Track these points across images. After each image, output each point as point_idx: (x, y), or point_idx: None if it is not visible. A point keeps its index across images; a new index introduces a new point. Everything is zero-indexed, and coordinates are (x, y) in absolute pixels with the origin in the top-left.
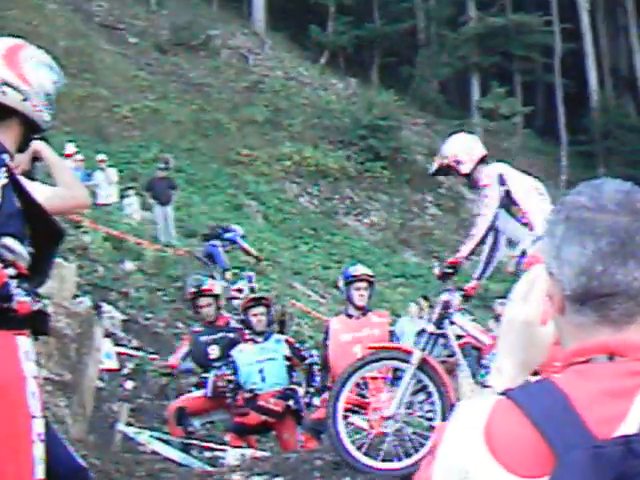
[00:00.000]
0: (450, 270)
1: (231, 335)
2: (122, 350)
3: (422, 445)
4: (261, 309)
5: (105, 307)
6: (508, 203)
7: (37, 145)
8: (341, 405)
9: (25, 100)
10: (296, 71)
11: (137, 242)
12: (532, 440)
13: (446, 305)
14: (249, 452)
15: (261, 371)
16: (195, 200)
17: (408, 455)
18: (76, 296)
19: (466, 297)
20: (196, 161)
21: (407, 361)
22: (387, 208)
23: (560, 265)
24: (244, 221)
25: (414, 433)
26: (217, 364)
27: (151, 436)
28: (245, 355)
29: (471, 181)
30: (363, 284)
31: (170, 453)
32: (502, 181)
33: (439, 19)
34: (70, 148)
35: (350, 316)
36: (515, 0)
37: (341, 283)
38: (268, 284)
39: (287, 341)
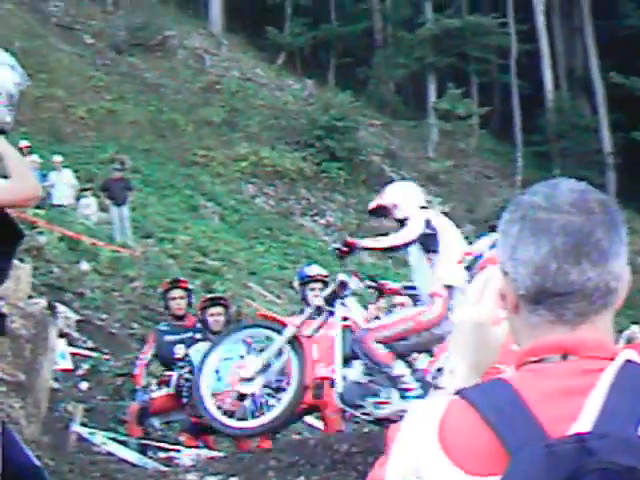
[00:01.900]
0: (345, 248)
1: (198, 335)
2: (77, 350)
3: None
4: (218, 309)
5: (60, 308)
6: (427, 244)
7: None
8: (208, 367)
9: None
10: (253, 72)
11: (92, 243)
12: (485, 438)
13: (342, 285)
14: (204, 452)
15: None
16: (151, 201)
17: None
18: (31, 297)
19: (380, 293)
20: (152, 162)
21: (280, 332)
22: (343, 209)
23: (515, 264)
24: (200, 222)
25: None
26: (182, 363)
27: (106, 437)
28: (201, 355)
29: (402, 225)
30: (318, 284)
31: (125, 454)
32: (429, 225)
33: (395, 20)
34: (23, 143)
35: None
36: (470, 2)
37: (296, 283)
38: (224, 284)
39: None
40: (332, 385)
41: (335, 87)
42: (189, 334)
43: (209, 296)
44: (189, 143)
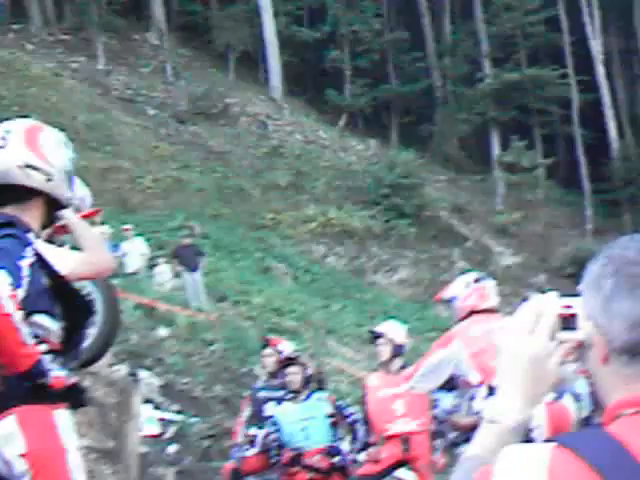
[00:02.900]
0: None
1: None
2: (162, 415)
3: None
4: (295, 368)
5: (142, 373)
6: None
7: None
8: None
9: (49, 180)
10: (315, 135)
11: (168, 309)
12: None
13: None
14: None
15: (304, 429)
16: (223, 265)
17: None
18: (112, 364)
19: None
20: (222, 227)
21: None
22: (415, 264)
23: (609, 318)
24: (273, 283)
25: None
26: (268, 422)
27: None
28: (287, 414)
29: None
30: (388, 341)
31: None
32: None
33: (455, 77)
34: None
35: (388, 372)
36: (530, 54)
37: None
38: (302, 343)
39: (329, 399)
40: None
41: (398, 145)
42: (281, 393)
43: (287, 355)
44: (257, 207)
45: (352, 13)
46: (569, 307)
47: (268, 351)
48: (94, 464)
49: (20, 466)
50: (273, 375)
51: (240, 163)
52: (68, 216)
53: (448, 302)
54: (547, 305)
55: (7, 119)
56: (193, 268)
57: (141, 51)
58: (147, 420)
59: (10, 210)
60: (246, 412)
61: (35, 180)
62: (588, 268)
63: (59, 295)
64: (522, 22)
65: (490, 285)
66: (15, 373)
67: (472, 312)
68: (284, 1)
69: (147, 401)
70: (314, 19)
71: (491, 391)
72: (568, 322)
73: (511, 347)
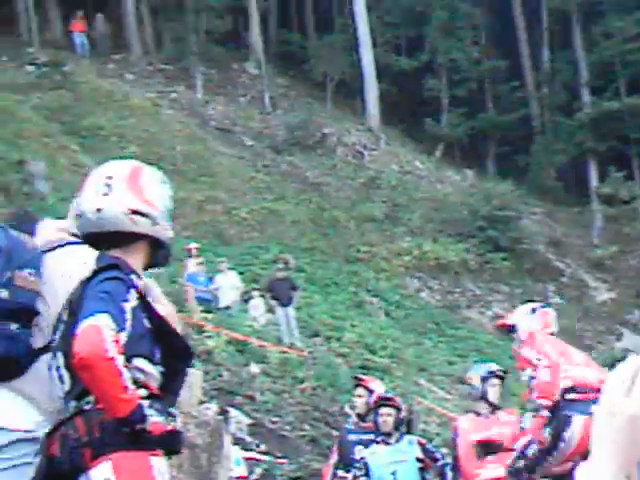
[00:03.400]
0: None
1: (379, 438)
2: (250, 455)
3: None
4: (389, 410)
5: (232, 412)
6: None
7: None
8: None
9: (154, 224)
10: (412, 165)
11: (260, 344)
12: None
13: None
14: None
15: (394, 473)
16: (316, 299)
17: None
18: (202, 402)
19: None
20: (316, 260)
21: None
22: (509, 299)
23: None
24: (366, 318)
25: None
26: (358, 464)
27: None
28: (377, 457)
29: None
30: (498, 381)
31: None
32: None
33: (553, 106)
34: (192, 245)
35: (479, 414)
36: (629, 83)
37: (476, 379)
38: (393, 381)
39: (419, 442)
40: None
41: (495, 176)
42: (370, 436)
43: (381, 395)
44: (352, 239)
45: (450, 41)
46: None
47: (360, 391)
48: None
49: None
50: (362, 417)
51: (336, 194)
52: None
53: (510, 328)
54: None
55: (107, 149)
56: (286, 302)
57: (239, 81)
58: (235, 462)
59: (114, 253)
60: (335, 454)
61: (142, 226)
62: None
63: (159, 339)
64: (621, 50)
65: (552, 313)
66: (114, 418)
67: None
68: (382, 30)
69: (236, 441)
70: (412, 48)
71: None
72: None
73: (607, 407)
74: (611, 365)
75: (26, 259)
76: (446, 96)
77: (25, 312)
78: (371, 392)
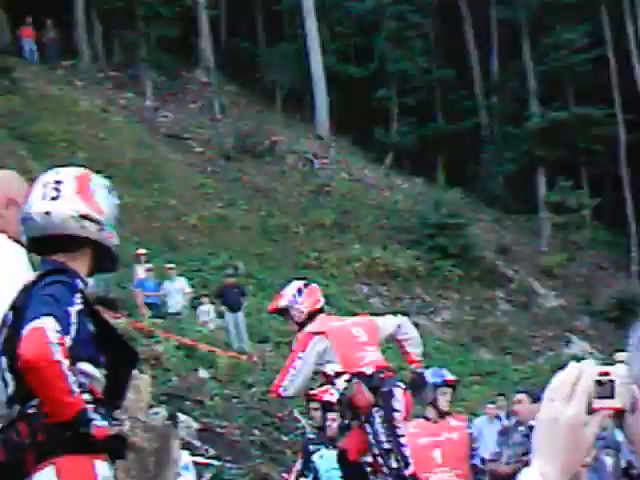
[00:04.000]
0: None
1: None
2: (199, 460)
3: None
4: (333, 415)
5: (181, 417)
6: None
7: None
8: None
9: (101, 230)
10: (361, 173)
11: (209, 350)
12: None
13: None
14: None
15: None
16: (266, 305)
17: None
18: (151, 406)
19: None
20: (266, 266)
21: None
22: (458, 306)
23: None
24: None
25: None
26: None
27: None
28: (326, 461)
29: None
30: (450, 389)
31: None
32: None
33: (502, 115)
34: (140, 251)
35: (428, 419)
36: (577, 94)
37: (429, 389)
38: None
39: None
40: None
41: (444, 184)
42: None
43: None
44: (301, 246)
45: (399, 51)
46: (606, 374)
47: (315, 405)
48: None
49: None
50: (321, 428)
51: (286, 201)
52: None
53: (283, 311)
54: (584, 372)
55: (56, 155)
56: (236, 308)
57: (189, 88)
58: (184, 467)
59: (59, 257)
60: (298, 463)
61: (89, 231)
62: (635, 330)
63: (104, 342)
64: (570, 61)
65: (318, 288)
66: (58, 421)
67: (311, 313)
68: (332, 39)
69: (184, 446)
70: (362, 57)
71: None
72: (606, 389)
73: (548, 413)
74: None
75: None
76: (396, 105)
77: None
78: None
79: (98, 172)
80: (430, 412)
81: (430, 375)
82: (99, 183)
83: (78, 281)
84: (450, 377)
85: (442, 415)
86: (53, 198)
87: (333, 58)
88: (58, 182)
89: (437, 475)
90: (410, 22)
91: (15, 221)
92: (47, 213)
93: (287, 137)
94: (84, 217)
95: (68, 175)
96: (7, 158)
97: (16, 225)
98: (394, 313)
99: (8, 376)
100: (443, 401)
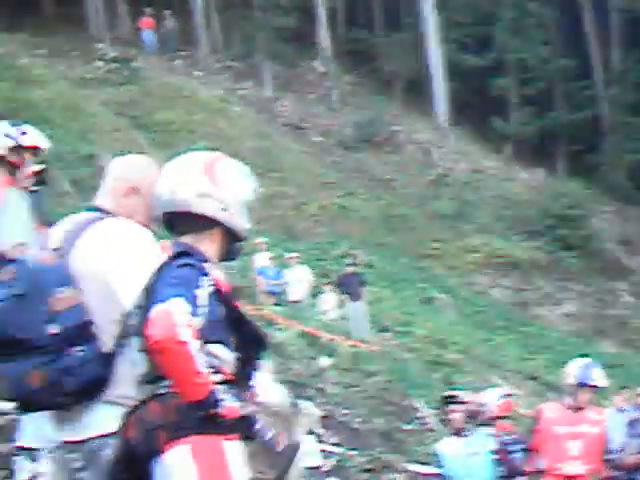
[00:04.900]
0: None
1: None
2: (322, 447)
3: None
4: (458, 406)
5: (303, 404)
6: None
7: None
8: None
9: (224, 210)
10: (481, 163)
11: (330, 338)
12: None
13: None
14: None
15: (468, 465)
16: (386, 295)
17: None
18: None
19: None
20: (385, 256)
21: None
22: (580, 298)
23: None
24: (436, 314)
25: None
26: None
27: None
28: (451, 449)
29: None
30: (591, 391)
31: None
32: None
33: (623, 105)
34: (260, 240)
35: (566, 406)
36: None
37: (571, 380)
38: (464, 377)
39: (494, 435)
40: None
41: (565, 175)
42: None
43: (449, 393)
44: (421, 236)
45: (519, 40)
46: None
47: (454, 407)
48: None
49: None
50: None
51: (405, 191)
52: None
53: None
54: None
55: (176, 144)
56: (356, 297)
57: (307, 78)
58: (308, 452)
59: (188, 239)
60: None
61: (208, 208)
62: None
63: (233, 326)
64: None
65: None
66: (189, 402)
67: None
68: (450, 28)
69: (309, 432)
70: (480, 46)
71: None
72: None
73: None
74: None
75: (51, 279)
76: (515, 95)
77: (81, 330)
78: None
79: None
80: (568, 401)
81: (578, 370)
82: (230, 165)
83: (206, 264)
84: (596, 382)
85: (579, 408)
86: (180, 178)
87: (451, 47)
88: (187, 163)
89: (570, 466)
90: (529, 11)
91: (140, 208)
92: (172, 192)
93: (406, 127)
94: (206, 195)
95: (198, 157)
96: (128, 147)
97: (142, 212)
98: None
99: (140, 357)
100: (583, 399)
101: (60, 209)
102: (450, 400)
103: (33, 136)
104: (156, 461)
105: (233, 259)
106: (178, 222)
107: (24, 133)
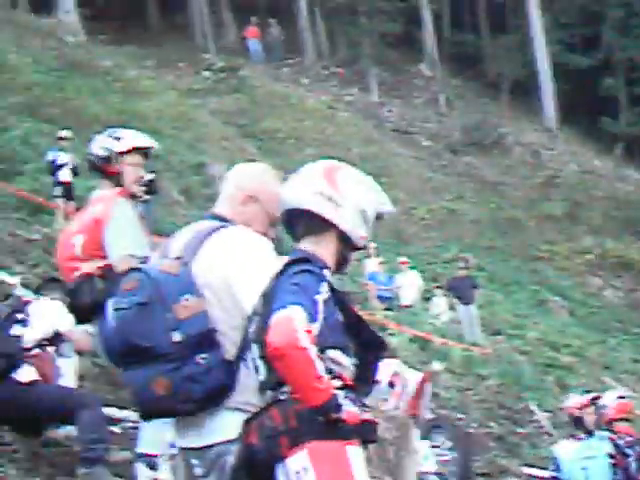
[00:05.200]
0: None
1: None
2: (438, 451)
3: None
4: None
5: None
6: None
7: None
8: None
9: (339, 214)
10: (591, 164)
11: (442, 342)
12: None
13: None
14: None
15: (584, 469)
16: (498, 298)
17: None
18: (387, 399)
19: None
20: (496, 259)
21: None
22: None
23: None
24: (548, 316)
25: None
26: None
27: None
28: (568, 452)
29: None
30: None
31: None
32: None
33: None
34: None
35: None
36: None
37: None
38: (577, 379)
39: (610, 438)
40: None
41: None
42: None
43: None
44: (531, 238)
45: (627, 39)
46: None
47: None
48: None
49: None
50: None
51: (514, 194)
52: None
53: None
54: None
55: (284, 152)
56: (468, 301)
57: (413, 82)
58: (424, 457)
59: (306, 244)
60: None
61: (323, 208)
62: None
63: (352, 331)
64: None
65: None
66: (309, 407)
67: None
68: (557, 29)
69: (424, 437)
70: (587, 46)
71: None
72: None
73: None
74: None
75: (174, 288)
76: (624, 94)
77: (204, 338)
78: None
79: None
80: None
81: None
82: (350, 173)
83: (325, 271)
84: None
85: None
86: (301, 182)
87: (558, 48)
88: (309, 169)
89: None
90: (636, 10)
91: (258, 216)
92: (293, 190)
93: (514, 129)
94: (323, 195)
95: (321, 164)
96: (237, 155)
97: (260, 220)
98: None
99: (259, 363)
100: None
101: (171, 218)
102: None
103: (129, 139)
104: (278, 467)
105: (342, 272)
106: (297, 222)
107: (119, 139)
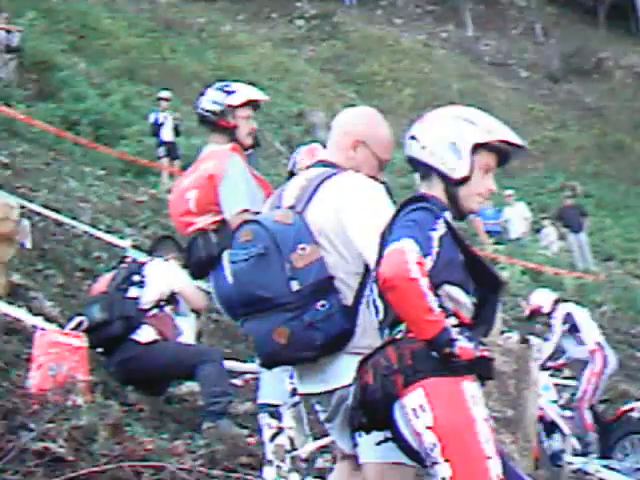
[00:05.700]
0: None
1: None
2: (556, 381)
3: None
4: None
5: (533, 340)
6: None
7: None
8: None
9: (423, 148)
10: None
11: (555, 272)
12: None
13: None
14: None
15: None
16: (607, 224)
17: None
18: (502, 332)
19: None
20: (603, 185)
21: None
22: None
23: None
24: None
25: None
26: None
27: (600, 464)
28: None
29: None
30: None
31: None
32: None
33: None
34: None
35: None
36: None
37: None
38: None
39: None
40: None
41: None
42: None
43: None
44: (638, 161)
45: None
46: None
47: None
48: (495, 433)
49: (429, 438)
50: None
51: (618, 118)
52: None
53: None
54: None
55: (383, 94)
56: (577, 229)
57: (508, 14)
58: (544, 387)
59: (423, 188)
60: None
61: (412, 149)
62: None
63: (469, 269)
64: None
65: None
66: (422, 340)
67: None
68: None
69: (544, 368)
70: None
71: None
72: None
73: None
74: None
75: (290, 237)
76: None
77: (322, 285)
78: None
79: (425, 107)
80: None
81: None
82: (454, 113)
83: (442, 211)
84: None
85: None
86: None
87: None
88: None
89: None
90: None
91: (367, 160)
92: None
93: (613, 53)
94: (414, 138)
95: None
96: (336, 102)
97: (369, 164)
98: None
99: (378, 303)
100: None
101: (274, 169)
102: None
103: (243, 92)
104: (394, 406)
105: (464, 216)
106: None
107: (231, 92)
